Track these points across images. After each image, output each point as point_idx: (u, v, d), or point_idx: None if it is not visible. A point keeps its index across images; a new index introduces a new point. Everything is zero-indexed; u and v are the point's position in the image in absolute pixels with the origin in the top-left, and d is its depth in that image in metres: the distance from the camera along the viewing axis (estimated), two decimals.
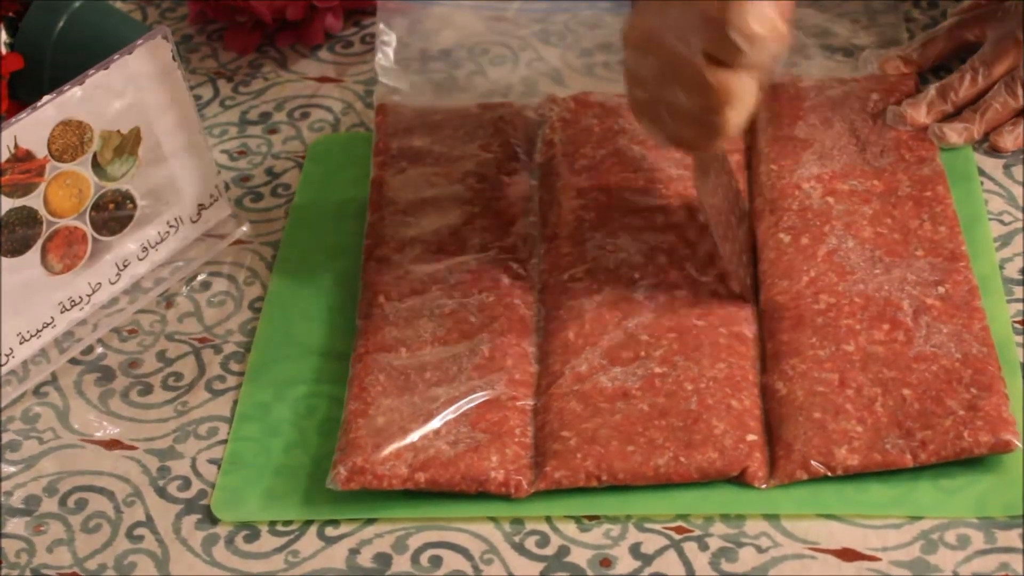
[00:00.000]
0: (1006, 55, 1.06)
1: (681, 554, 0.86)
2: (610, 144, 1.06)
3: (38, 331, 1.00)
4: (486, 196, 1.05)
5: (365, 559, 0.88)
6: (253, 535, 0.90)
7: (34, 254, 0.98)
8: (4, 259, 0.96)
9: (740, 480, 0.88)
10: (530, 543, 0.87)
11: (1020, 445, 0.86)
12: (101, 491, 0.93)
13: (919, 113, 1.05)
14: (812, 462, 0.87)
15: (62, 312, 1.01)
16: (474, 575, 0.86)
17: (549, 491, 0.88)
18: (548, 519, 0.88)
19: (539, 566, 0.86)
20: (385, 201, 1.06)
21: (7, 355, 0.98)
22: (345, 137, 1.14)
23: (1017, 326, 0.94)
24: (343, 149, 1.13)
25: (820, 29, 1.15)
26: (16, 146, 0.95)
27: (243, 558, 0.89)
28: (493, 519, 0.88)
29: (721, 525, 0.87)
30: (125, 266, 1.03)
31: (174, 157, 1.03)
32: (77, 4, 1.11)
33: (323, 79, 1.19)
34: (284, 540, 0.89)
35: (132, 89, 1.00)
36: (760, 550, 0.85)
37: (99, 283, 1.02)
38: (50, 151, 0.97)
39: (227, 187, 1.10)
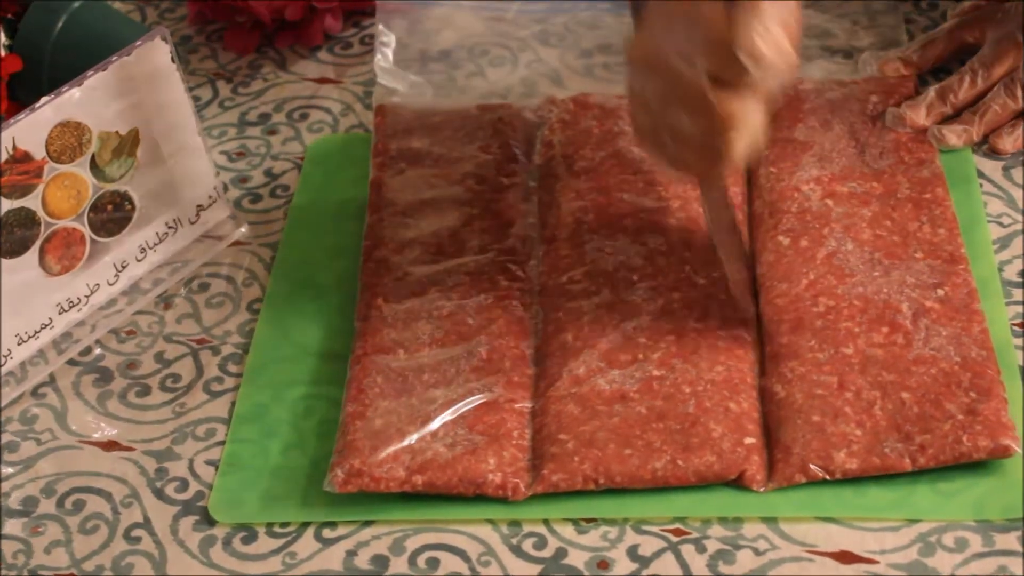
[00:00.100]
0: (1006, 57, 1.06)
1: (679, 556, 0.86)
2: (609, 146, 1.06)
3: (36, 332, 1.00)
4: (485, 198, 1.05)
5: (362, 561, 0.88)
6: (251, 537, 0.90)
7: (32, 255, 0.98)
8: (2, 260, 0.96)
9: (738, 483, 0.87)
10: (527, 545, 0.87)
11: (1019, 450, 0.86)
12: (99, 492, 0.93)
13: (918, 115, 1.05)
14: (811, 466, 0.87)
15: (60, 313, 1.01)
16: None
17: (546, 494, 0.88)
18: (545, 521, 0.88)
19: (536, 568, 0.86)
20: (384, 203, 1.06)
21: (5, 356, 0.98)
22: (344, 138, 1.14)
23: (1016, 329, 0.94)
24: (342, 150, 1.13)
25: (820, 30, 1.15)
26: (14, 147, 0.95)
27: (240, 559, 0.89)
28: (490, 521, 0.88)
29: (719, 527, 0.87)
30: (123, 267, 1.03)
31: (173, 158, 1.03)
32: (76, 5, 1.11)
33: (322, 80, 1.19)
34: (282, 542, 0.89)
35: (131, 90, 1.00)
36: (758, 552, 0.85)
37: (97, 284, 1.02)
38: (48, 152, 0.97)
39: (226, 188, 1.10)
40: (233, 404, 0.97)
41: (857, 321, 0.93)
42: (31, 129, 0.96)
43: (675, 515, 0.87)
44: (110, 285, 1.03)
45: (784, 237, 0.98)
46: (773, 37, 0.84)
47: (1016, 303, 0.95)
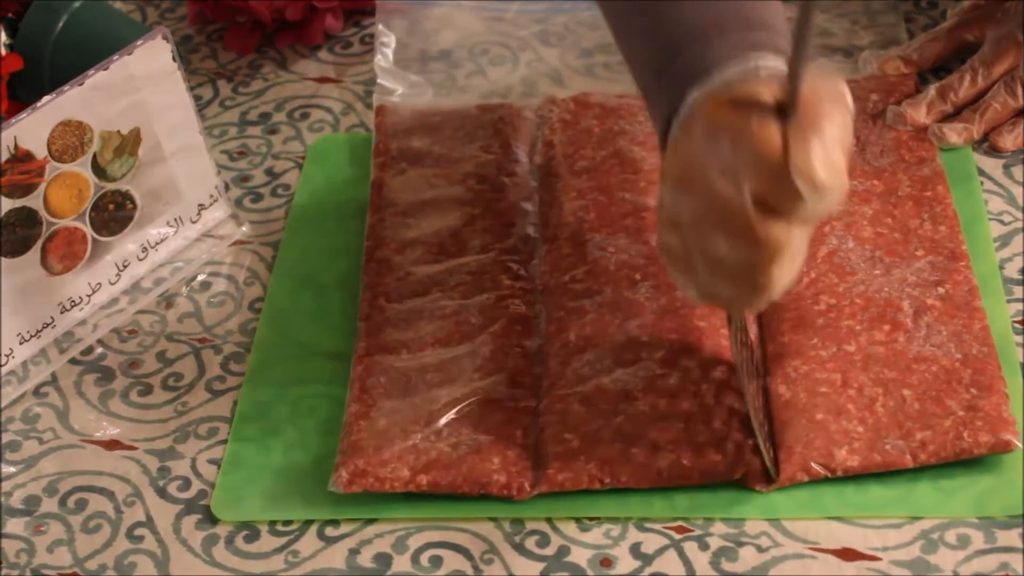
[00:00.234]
0: (1006, 55, 1.06)
1: (681, 554, 0.86)
2: (610, 145, 1.06)
3: (38, 331, 1.00)
4: (486, 197, 1.05)
5: (365, 559, 0.88)
6: (253, 535, 0.90)
7: (34, 254, 0.98)
8: (4, 259, 0.96)
9: (741, 483, 0.87)
10: (530, 543, 0.87)
11: (1020, 445, 0.86)
12: (101, 491, 0.93)
13: (919, 113, 1.05)
14: (812, 464, 0.87)
15: (62, 312, 1.01)
16: (474, 575, 0.86)
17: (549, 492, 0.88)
18: (548, 519, 0.88)
19: (539, 566, 0.86)
20: (385, 203, 1.06)
21: (7, 355, 0.98)
22: (345, 138, 1.14)
23: (1017, 326, 0.94)
24: (343, 150, 1.13)
25: (820, 29, 1.15)
26: (16, 147, 0.95)
27: (243, 558, 0.89)
28: (493, 519, 0.88)
29: (721, 525, 0.87)
30: (125, 266, 1.03)
31: (174, 157, 1.03)
32: (77, 5, 1.11)
33: (323, 79, 1.19)
34: (284, 540, 0.89)
35: (132, 89, 1.00)
36: (760, 550, 0.85)
37: (99, 283, 1.02)
38: (50, 152, 0.97)
39: (227, 187, 1.10)
40: (235, 403, 0.97)
41: (859, 319, 0.93)
42: (32, 128, 0.96)
43: (677, 515, 0.87)
44: (112, 284, 1.03)
45: None
46: (832, 161, 0.75)
47: (1017, 300, 0.95)
